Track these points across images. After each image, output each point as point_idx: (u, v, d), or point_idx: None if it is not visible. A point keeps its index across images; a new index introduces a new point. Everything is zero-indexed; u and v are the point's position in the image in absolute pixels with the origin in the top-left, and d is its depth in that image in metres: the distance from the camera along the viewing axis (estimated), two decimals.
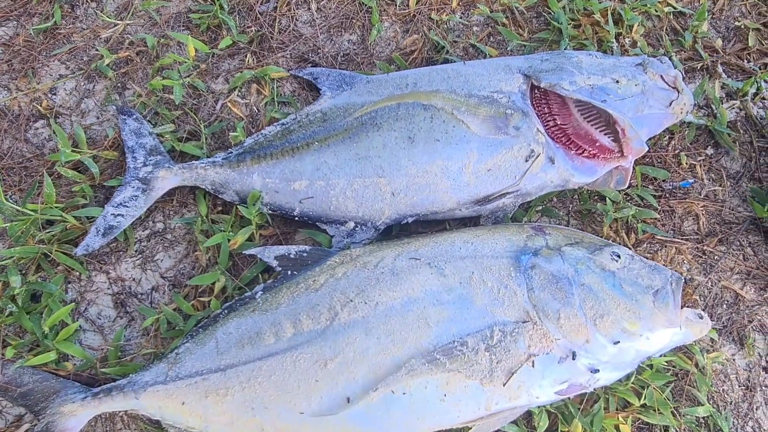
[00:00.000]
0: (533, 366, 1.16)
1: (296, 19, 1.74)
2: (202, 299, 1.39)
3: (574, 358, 1.16)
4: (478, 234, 1.30)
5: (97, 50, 1.68)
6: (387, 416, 1.15)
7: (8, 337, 1.34)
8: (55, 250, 1.40)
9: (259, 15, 1.72)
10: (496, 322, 1.17)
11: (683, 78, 1.44)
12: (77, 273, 1.43)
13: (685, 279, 1.42)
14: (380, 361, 1.15)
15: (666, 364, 1.33)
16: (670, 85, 1.43)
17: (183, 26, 1.73)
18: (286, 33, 1.71)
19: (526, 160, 1.36)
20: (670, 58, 1.63)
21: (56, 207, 1.43)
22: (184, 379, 1.20)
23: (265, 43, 1.70)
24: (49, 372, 1.28)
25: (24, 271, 1.40)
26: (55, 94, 1.65)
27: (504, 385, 1.15)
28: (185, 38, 1.64)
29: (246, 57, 1.68)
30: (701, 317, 1.23)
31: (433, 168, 1.35)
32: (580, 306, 1.19)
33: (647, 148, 1.37)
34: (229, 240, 1.40)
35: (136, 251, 1.47)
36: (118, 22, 1.72)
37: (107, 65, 1.64)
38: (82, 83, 1.66)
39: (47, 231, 1.41)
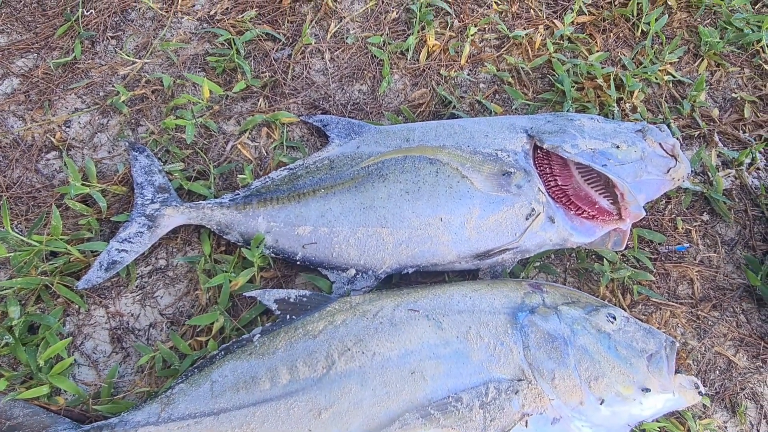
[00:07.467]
0: (526, 426, 1.16)
1: (309, 68, 1.79)
2: (199, 338, 1.39)
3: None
4: (477, 288, 1.32)
5: (113, 86, 1.73)
6: None
7: (1, 368, 1.34)
8: (57, 282, 1.40)
9: (273, 61, 1.78)
10: (492, 378, 1.18)
11: (681, 146, 1.49)
12: (76, 306, 1.43)
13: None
14: (374, 413, 1.15)
15: (658, 430, 1.33)
16: (668, 153, 1.47)
17: (199, 68, 1.78)
18: (299, 80, 1.77)
19: (527, 219, 1.39)
20: (668, 126, 1.69)
21: (61, 239, 1.44)
22: (176, 421, 1.19)
23: (278, 89, 1.75)
24: (41, 406, 1.27)
25: (24, 302, 1.41)
26: (69, 126, 1.68)
27: None
28: (201, 80, 1.69)
29: (258, 101, 1.73)
30: (697, 387, 1.23)
31: (436, 221, 1.38)
32: (575, 367, 1.20)
33: (645, 213, 1.40)
34: (230, 281, 1.42)
35: (136, 287, 1.47)
36: (137, 60, 1.78)
37: (123, 102, 1.69)
38: (97, 117, 1.70)
39: (50, 262, 1.43)
